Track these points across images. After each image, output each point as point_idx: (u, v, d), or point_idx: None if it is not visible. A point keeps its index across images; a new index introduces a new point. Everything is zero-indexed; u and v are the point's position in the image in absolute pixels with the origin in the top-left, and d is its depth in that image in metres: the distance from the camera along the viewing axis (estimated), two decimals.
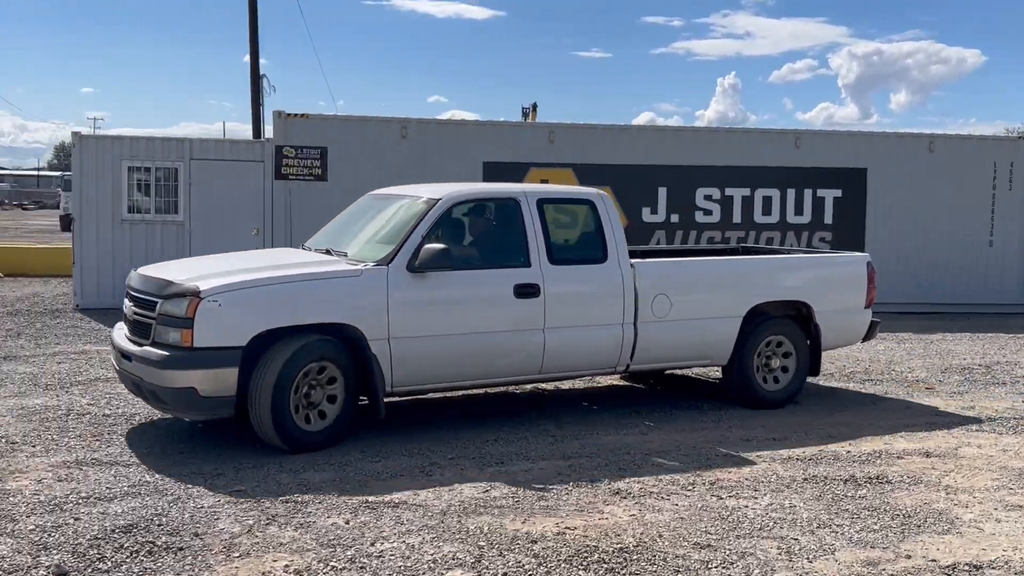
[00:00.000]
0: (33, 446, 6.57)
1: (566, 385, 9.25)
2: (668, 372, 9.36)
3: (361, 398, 6.71)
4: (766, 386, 8.25)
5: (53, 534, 4.81)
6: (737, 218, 15.67)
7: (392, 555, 4.63)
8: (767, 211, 15.72)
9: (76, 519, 5.05)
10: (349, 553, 4.64)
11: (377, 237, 7.28)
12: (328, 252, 7.32)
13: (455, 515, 5.27)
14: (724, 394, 8.54)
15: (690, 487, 5.91)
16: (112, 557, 4.53)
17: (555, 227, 7.57)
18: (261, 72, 28.05)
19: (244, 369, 6.15)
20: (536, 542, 4.86)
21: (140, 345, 6.42)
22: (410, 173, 14.43)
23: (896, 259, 15.74)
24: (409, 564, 4.52)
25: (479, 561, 4.59)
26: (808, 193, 15.71)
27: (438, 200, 7.09)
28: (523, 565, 4.55)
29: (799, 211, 15.75)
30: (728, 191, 15.61)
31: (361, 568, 4.46)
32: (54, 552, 4.57)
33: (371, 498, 5.53)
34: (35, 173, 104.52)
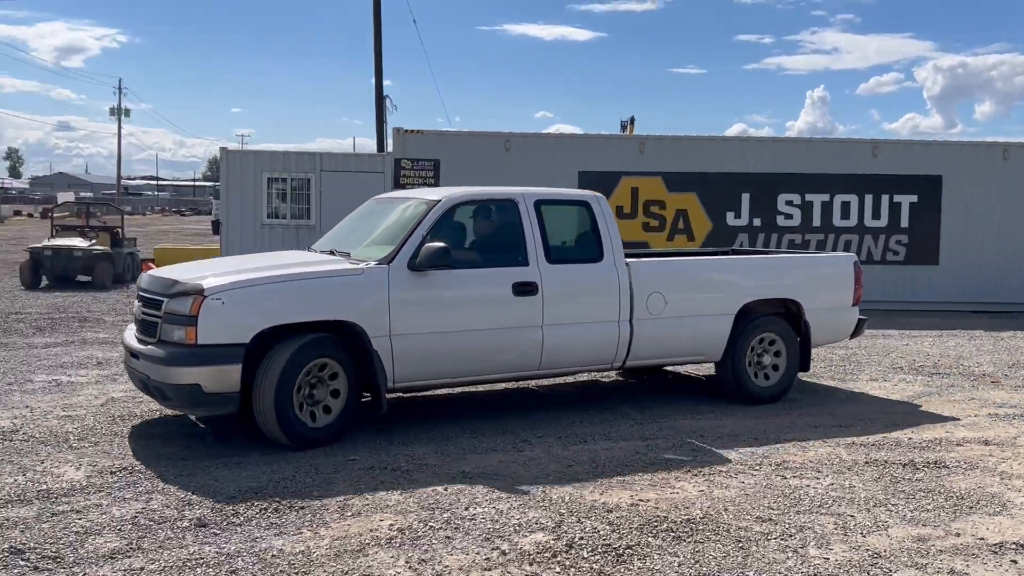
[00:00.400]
0: (182, 417, 6.99)
1: (646, 375, 9.28)
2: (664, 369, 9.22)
3: (365, 394, 6.40)
4: (758, 382, 7.89)
5: (197, 493, 5.14)
6: (816, 222, 15.38)
7: (483, 518, 4.81)
8: (845, 215, 15.38)
9: (216, 481, 5.38)
10: (445, 516, 4.84)
11: (379, 238, 7.02)
12: (332, 253, 7.01)
13: (540, 485, 5.42)
14: (717, 390, 8.13)
15: (757, 467, 5.91)
16: (245, 513, 4.83)
17: (553, 227, 7.25)
18: (384, 93, 28.75)
19: (248, 366, 5.87)
20: (611, 511, 4.97)
21: (147, 344, 6.17)
22: (512, 181, 14.61)
23: (970, 260, 15.28)
24: (497, 527, 4.69)
25: (559, 526, 4.73)
26: (885, 199, 15.30)
27: (438, 201, 6.83)
28: (598, 530, 4.67)
29: (876, 215, 15.35)
30: (808, 197, 15.33)
31: (455, 528, 4.66)
32: (196, 508, 4.90)
33: (467, 469, 5.73)
34: (191, 183, 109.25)
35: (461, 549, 4.39)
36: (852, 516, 4.96)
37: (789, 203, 15.36)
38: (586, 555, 4.35)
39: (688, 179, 15.03)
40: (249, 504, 4.97)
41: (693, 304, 7.65)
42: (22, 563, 4.11)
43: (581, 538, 4.56)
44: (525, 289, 6.77)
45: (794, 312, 8.03)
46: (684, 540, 4.57)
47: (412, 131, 15.50)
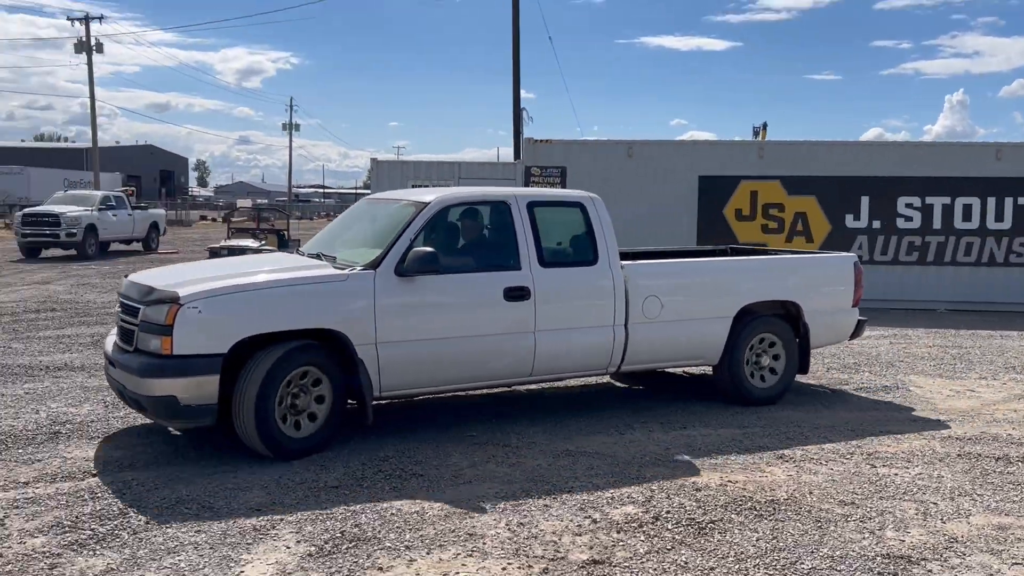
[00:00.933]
0: None
1: None
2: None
3: (350, 402, 5.87)
4: (755, 384, 7.34)
5: (331, 461, 5.56)
6: (937, 224, 14.68)
7: (580, 491, 5.03)
8: (967, 218, 14.62)
9: (349, 452, 5.79)
10: (547, 487, 5.09)
11: (367, 241, 6.50)
12: (319, 256, 6.40)
13: (636, 465, 5.58)
14: (715, 392, 7.56)
15: (847, 456, 5.86)
16: (371, 478, 5.22)
17: (546, 230, 6.69)
18: (522, 106, 29.15)
19: (228, 376, 5.36)
20: (700, 490, 5.08)
21: (125, 352, 5.66)
22: (634, 186, 14.79)
23: None
24: (591, 499, 4.90)
25: (649, 500, 4.88)
26: (1009, 201, 14.46)
27: (427, 203, 6.26)
28: (684, 506, 4.79)
29: (999, 218, 14.51)
30: (928, 199, 14.65)
31: (553, 498, 4.89)
32: (332, 472, 5.33)
33: (571, 448, 5.95)
34: (353, 191, 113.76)
35: (556, 516, 4.62)
36: (935, 503, 4.89)
37: (909, 206, 14.74)
38: (670, 527, 4.49)
39: (807, 182, 14.67)
40: (376, 471, 5.35)
41: (691, 307, 7.12)
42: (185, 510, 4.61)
43: (668, 512, 4.70)
44: (517, 294, 6.21)
45: (793, 314, 7.50)
46: (765, 518, 4.64)
47: (541, 140, 15.80)
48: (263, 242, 19.05)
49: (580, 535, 4.37)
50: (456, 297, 6.17)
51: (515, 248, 6.35)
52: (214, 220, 27.91)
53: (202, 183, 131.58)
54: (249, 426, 5.35)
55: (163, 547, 4.14)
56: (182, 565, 3.94)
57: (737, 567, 4.02)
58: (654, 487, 5.12)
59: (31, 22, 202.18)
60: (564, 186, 15.08)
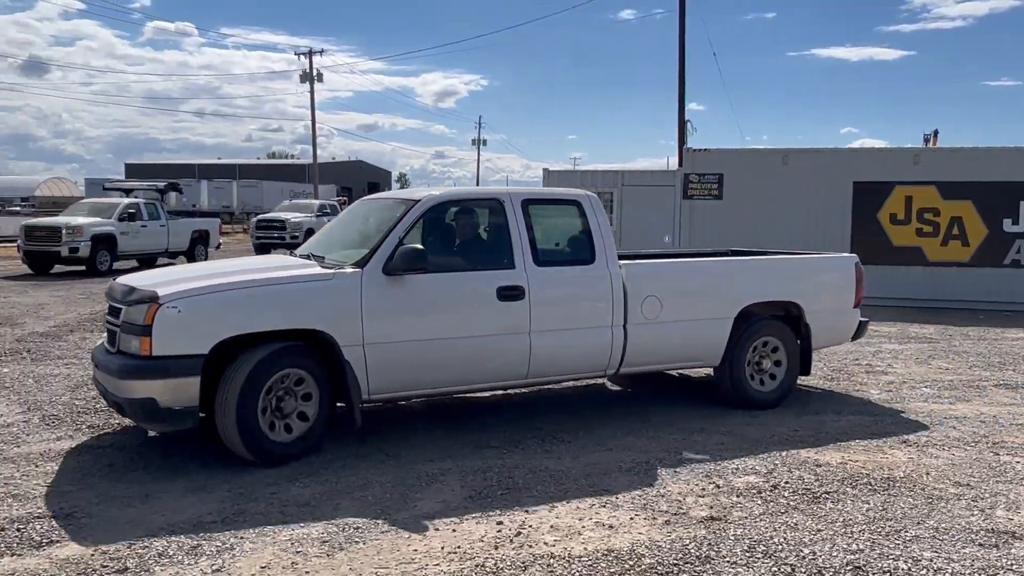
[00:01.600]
0: None
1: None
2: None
3: (340, 403, 5.43)
4: (757, 387, 6.78)
5: (491, 427, 6.13)
6: None
7: (708, 461, 5.32)
8: None
9: (508, 420, 6.32)
10: (678, 457, 5.42)
11: (357, 241, 6.04)
12: (309, 257, 6.00)
13: (764, 443, 5.76)
14: (716, 395, 6.97)
15: (972, 444, 5.77)
16: (526, 443, 5.73)
17: (542, 228, 6.20)
18: (687, 117, 29.06)
19: (212, 378, 4.97)
20: (820, 466, 5.22)
21: (108, 353, 5.27)
22: (788, 191, 14.56)
23: None
24: (718, 468, 5.18)
25: (770, 472, 5.09)
26: None
27: (418, 202, 5.81)
28: (803, 479, 4.97)
29: None
30: None
31: (683, 466, 5.22)
32: (493, 435, 5.89)
33: (706, 426, 6.19)
34: None
35: (684, 480, 4.94)
36: None
37: None
38: (786, 495, 4.70)
39: (962, 188, 13.88)
40: (531, 437, 5.84)
41: (691, 308, 6.55)
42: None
43: (786, 482, 4.90)
44: (511, 293, 5.73)
45: (795, 315, 6.93)
46: (879, 492, 4.74)
47: (700, 150, 15.86)
48: None
49: (703, 496, 4.66)
50: (447, 296, 5.68)
51: (509, 247, 5.87)
52: None
53: None
54: (231, 430, 4.94)
55: (356, 483, 4.82)
56: (370, 499, 4.59)
57: (844, 531, 4.19)
58: (777, 461, 5.30)
59: (266, 57, 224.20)
60: (720, 191, 15.07)
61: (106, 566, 3.69)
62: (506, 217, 5.95)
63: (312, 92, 47.11)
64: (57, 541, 3.96)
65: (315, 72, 46.73)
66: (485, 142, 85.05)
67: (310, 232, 25.10)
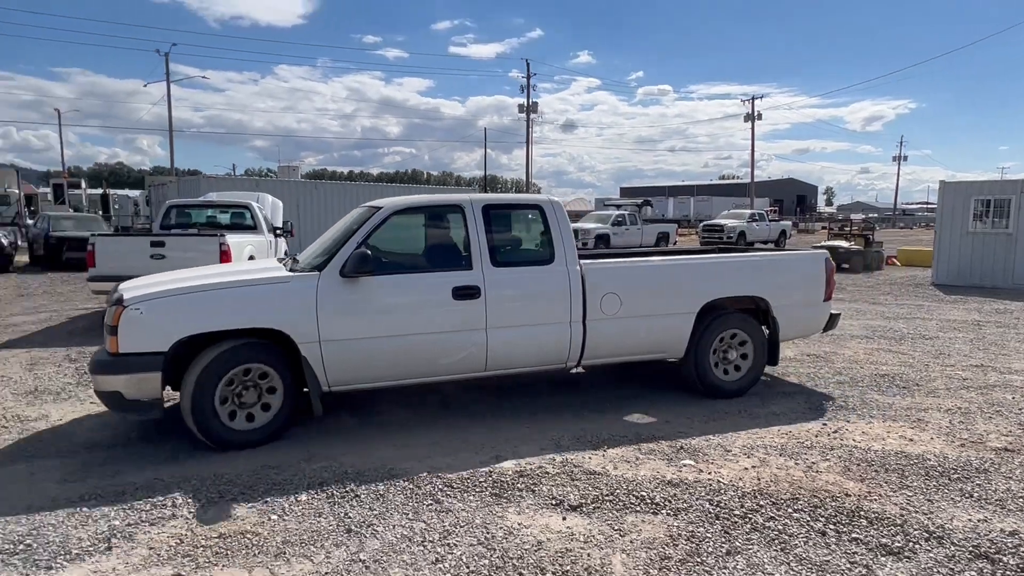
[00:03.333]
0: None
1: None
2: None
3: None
4: (724, 376, 6.97)
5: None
6: None
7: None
8: None
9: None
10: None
11: (328, 246, 6.16)
12: (294, 260, 6.31)
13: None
14: (683, 383, 7.15)
15: None
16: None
17: (504, 232, 6.41)
18: None
19: (178, 373, 5.41)
20: None
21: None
22: None
23: None
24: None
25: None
26: None
27: (379, 208, 6.10)
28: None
29: None
30: None
31: (996, 411, 6.41)
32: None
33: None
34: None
35: (995, 423, 6.03)
36: None
37: None
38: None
39: None
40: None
41: (650, 304, 6.63)
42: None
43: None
44: (466, 293, 5.96)
45: (762, 308, 7.12)
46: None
47: None
48: (851, 243, 23.26)
49: (1006, 436, 5.71)
50: (403, 297, 5.89)
51: (467, 249, 6.14)
52: (829, 229, 32.12)
53: (828, 204, 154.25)
54: (187, 417, 5.30)
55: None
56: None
57: None
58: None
59: (722, 104, 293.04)
60: None
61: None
62: (466, 222, 6.20)
63: (752, 128, 61.29)
64: None
65: (756, 112, 60.44)
66: (906, 158, 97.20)
67: (742, 234, 33.17)
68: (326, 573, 3.59)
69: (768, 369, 7.67)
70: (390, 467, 4.99)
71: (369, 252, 5.65)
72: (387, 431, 5.86)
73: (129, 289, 5.54)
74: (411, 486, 4.64)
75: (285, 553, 3.78)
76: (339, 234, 6.27)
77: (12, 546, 3.86)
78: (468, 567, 3.63)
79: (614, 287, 6.46)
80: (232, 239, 10.89)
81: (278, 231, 13.74)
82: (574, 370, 7.31)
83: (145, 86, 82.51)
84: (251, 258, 8.61)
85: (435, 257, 6.35)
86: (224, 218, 13.79)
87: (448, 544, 3.87)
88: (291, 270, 5.88)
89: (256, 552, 3.79)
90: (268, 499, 4.44)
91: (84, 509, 4.33)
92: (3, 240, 20.09)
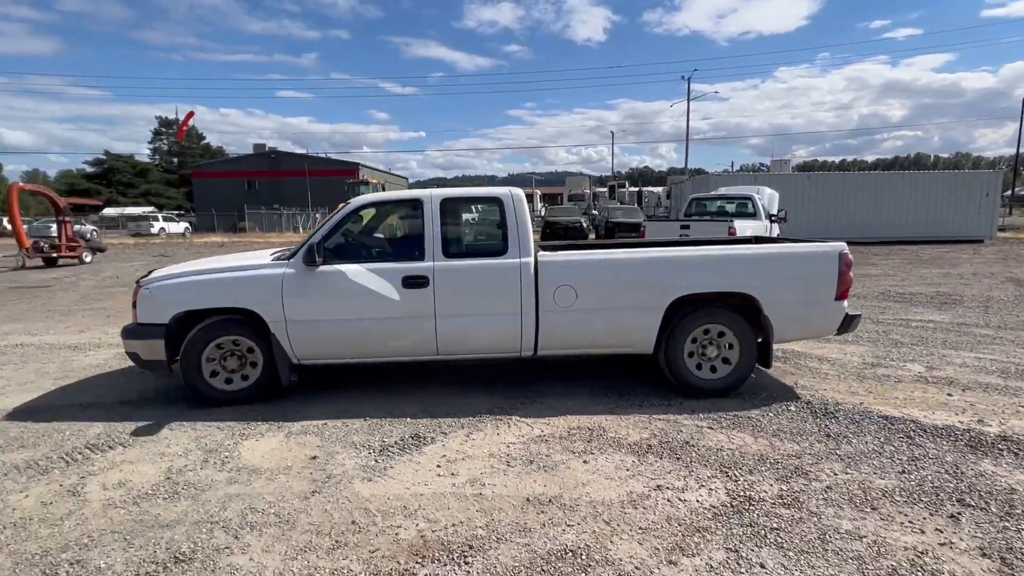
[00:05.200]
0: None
1: None
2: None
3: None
4: (700, 374, 6.60)
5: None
6: None
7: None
8: None
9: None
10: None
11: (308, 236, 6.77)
12: (274, 253, 7.19)
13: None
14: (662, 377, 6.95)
15: None
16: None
17: (460, 224, 6.66)
18: None
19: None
20: None
21: None
22: None
23: None
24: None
25: None
26: None
27: (348, 204, 6.71)
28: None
29: None
30: None
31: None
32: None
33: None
34: None
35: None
36: None
37: None
38: None
39: None
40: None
41: (610, 299, 6.44)
42: None
43: None
44: (415, 282, 6.36)
45: (752, 305, 6.56)
46: None
47: None
48: None
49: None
50: (356, 284, 6.40)
51: (421, 241, 6.48)
52: None
53: None
54: (182, 376, 6.50)
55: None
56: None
57: None
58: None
59: None
60: None
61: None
62: (423, 215, 6.54)
63: None
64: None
65: None
66: None
67: None
68: None
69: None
70: None
71: (315, 244, 6.38)
72: None
73: (149, 275, 6.75)
74: None
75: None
76: (319, 226, 6.85)
77: None
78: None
79: (568, 280, 6.42)
80: (737, 224, 14.44)
81: (773, 218, 16.32)
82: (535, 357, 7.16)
83: (671, 106, 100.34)
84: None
85: (394, 248, 6.75)
86: (730, 207, 17.19)
87: None
88: (275, 260, 6.68)
89: None
90: None
91: None
92: (583, 223, 29.06)
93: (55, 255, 23.41)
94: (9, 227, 31.90)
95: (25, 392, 7.23)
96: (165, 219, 52.90)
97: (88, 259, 24.91)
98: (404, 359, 6.64)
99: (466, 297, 6.43)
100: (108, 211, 61.85)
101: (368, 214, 6.89)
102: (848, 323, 6.69)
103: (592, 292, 6.44)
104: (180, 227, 52.37)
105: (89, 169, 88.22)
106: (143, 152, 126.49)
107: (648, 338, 6.55)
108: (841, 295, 6.56)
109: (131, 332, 6.52)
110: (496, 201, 6.65)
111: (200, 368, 6.48)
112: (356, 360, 6.62)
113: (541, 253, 6.62)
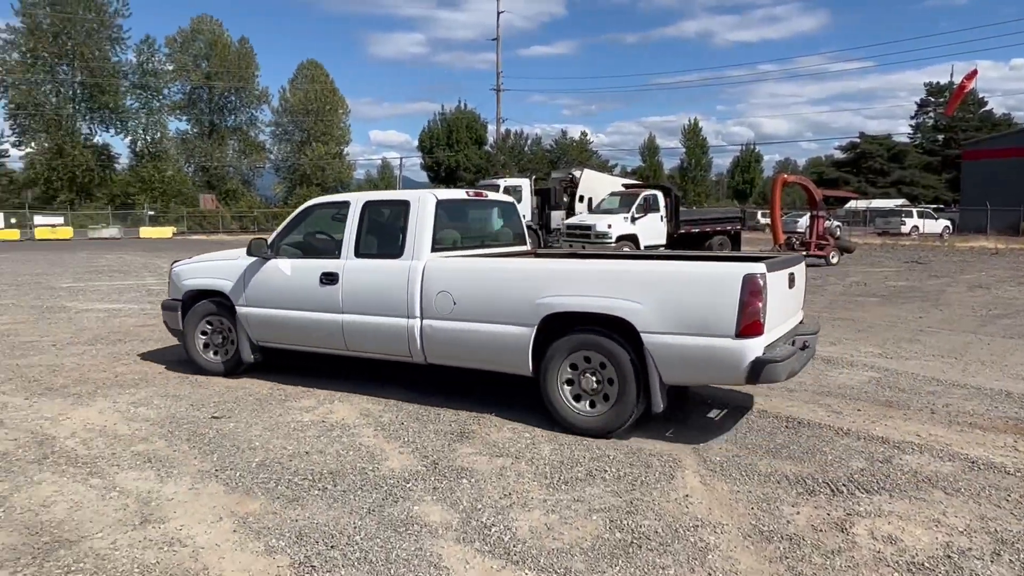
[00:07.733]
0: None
1: None
2: None
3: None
4: (575, 406, 5.52)
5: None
6: None
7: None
8: None
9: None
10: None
11: None
12: None
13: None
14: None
15: None
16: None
17: (377, 225, 6.69)
18: None
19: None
20: None
21: None
22: None
23: None
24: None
25: None
26: None
27: (305, 204, 7.41)
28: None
29: None
30: None
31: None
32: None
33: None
34: None
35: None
36: None
37: None
38: None
39: None
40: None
41: (484, 309, 5.81)
42: None
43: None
44: (329, 279, 6.70)
45: (632, 332, 5.23)
46: None
47: None
48: None
49: None
50: (287, 278, 7.01)
51: (342, 240, 6.79)
52: None
53: None
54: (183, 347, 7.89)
55: None
56: None
57: None
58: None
59: None
60: None
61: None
62: (348, 216, 6.83)
63: None
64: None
65: None
66: None
67: None
68: None
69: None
70: None
71: (273, 240, 7.21)
72: None
73: (183, 260, 8.24)
74: None
75: None
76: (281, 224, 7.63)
77: None
78: None
79: (447, 286, 6.03)
80: None
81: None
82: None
83: None
84: None
85: (323, 246, 7.08)
86: None
87: None
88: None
89: None
90: None
91: None
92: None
93: (804, 253, 20.03)
94: (765, 221, 30.63)
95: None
96: (920, 215, 43.70)
97: (835, 260, 22.66)
98: (330, 352, 6.94)
99: (366, 296, 6.48)
100: (854, 204, 51.98)
101: (322, 213, 7.31)
102: (759, 370, 4.89)
103: (469, 301, 5.92)
104: (938, 226, 42.56)
105: (839, 155, 76.17)
106: (900, 132, 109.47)
107: (522, 358, 5.71)
108: (743, 331, 4.89)
109: (164, 306, 8.05)
110: (404, 203, 6.61)
111: (195, 340, 7.75)
112: (295, 348, 7.18)
113: (432, 256, 6.32)
